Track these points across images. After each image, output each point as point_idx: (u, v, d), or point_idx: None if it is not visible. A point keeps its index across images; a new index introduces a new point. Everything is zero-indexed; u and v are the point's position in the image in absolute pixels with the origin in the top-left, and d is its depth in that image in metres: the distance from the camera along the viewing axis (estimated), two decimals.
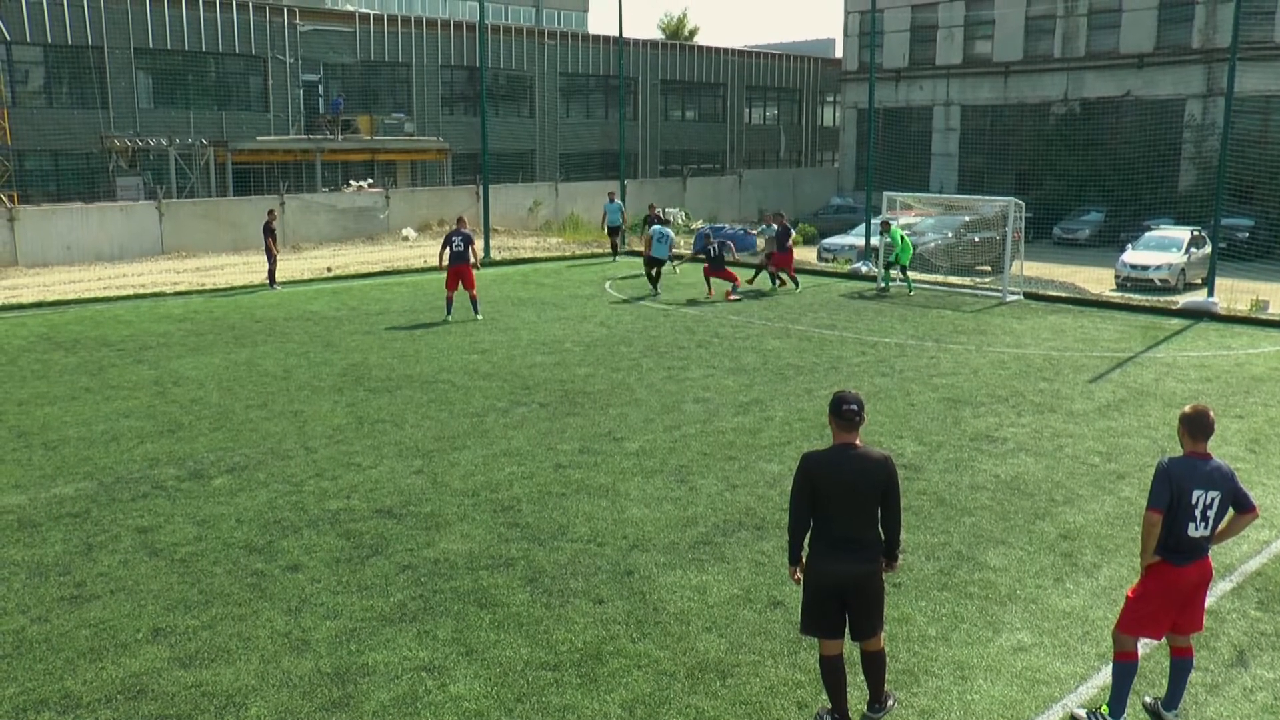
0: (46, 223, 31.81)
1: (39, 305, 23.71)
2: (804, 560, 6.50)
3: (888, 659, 6.86)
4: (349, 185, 42.59)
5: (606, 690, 7.06)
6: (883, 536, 6.42)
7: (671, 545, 9.55)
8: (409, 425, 13.54)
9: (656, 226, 25.75)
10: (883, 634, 6.59)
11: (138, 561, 9.19)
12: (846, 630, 6.48)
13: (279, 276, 27.20)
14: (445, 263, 21.37)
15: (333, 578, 8.82)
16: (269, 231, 26.53)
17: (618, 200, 34.09)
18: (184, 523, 10.12)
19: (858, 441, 6.34)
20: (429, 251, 32.07)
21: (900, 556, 6.71)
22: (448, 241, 21.36)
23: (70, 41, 40.09)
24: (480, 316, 21.56)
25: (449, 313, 21.61)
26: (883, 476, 6.26)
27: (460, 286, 21.39)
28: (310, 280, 28.18)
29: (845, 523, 6.28)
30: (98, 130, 40.10)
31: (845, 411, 6.24)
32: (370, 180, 43.64)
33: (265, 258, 27.06)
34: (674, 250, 27.21)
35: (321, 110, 45.48)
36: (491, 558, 9.25)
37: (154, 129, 40.91)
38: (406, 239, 38.13)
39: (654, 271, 25.56)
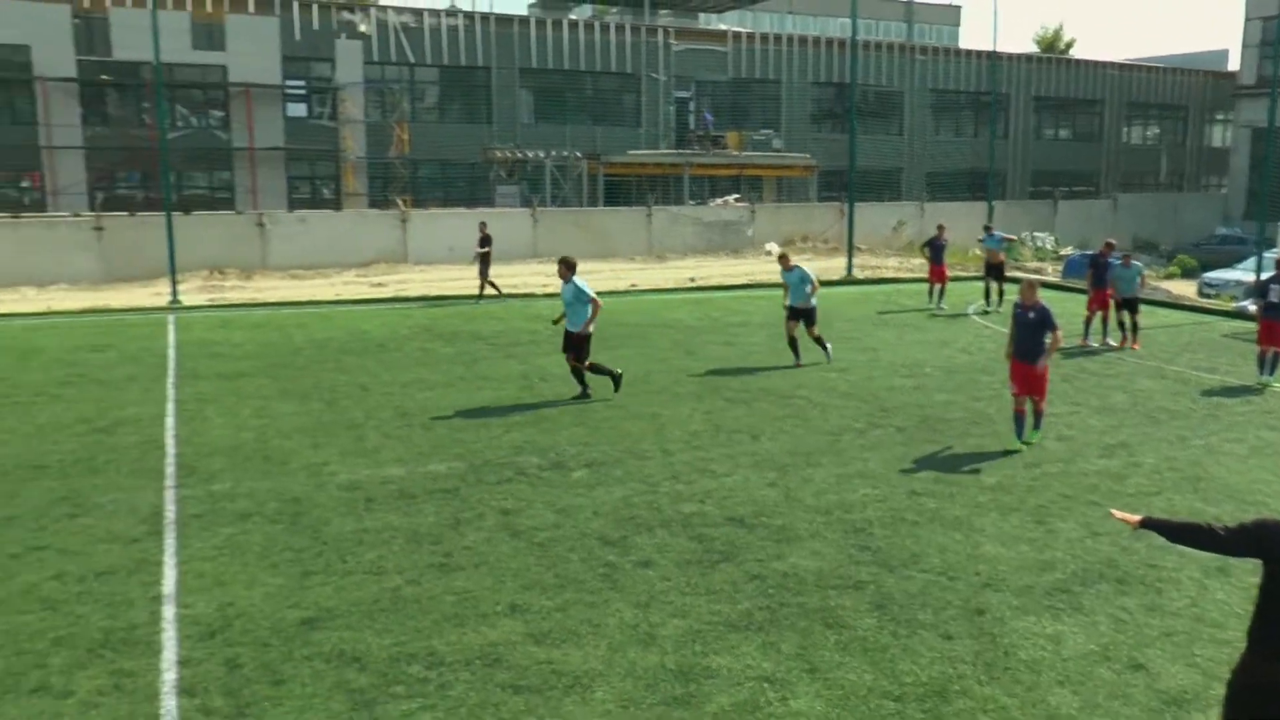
0: (433, 225, 34.64)
1: (423, 299, 25.73)
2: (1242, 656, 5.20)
3: None
4: (715, 200, 43.48)
5: None
6: None
7: (1026, 588, 8.86)
8: (764, 438, 13.47)
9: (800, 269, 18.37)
10: None
11: (499, 540, 9.63)
12: None
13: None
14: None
15: (682, 578, 8.84)
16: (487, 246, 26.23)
17: (997, 233, 26.45)
18: (543, 509, 10.51)
19: None
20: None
21: None
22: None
23: (463, 62, 43.52)
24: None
25: None
26: None
27: None
28: (673, 289, 28.98)
29: None
30: (482, 143, 43.22)
31: None
32: (736, 195, 44.38)
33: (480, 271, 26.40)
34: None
35: (692, 126, 46.79)
36: (841, 578, 8.95)
37: (533, 143, 43.62)
38: (769, 253, 38.40)
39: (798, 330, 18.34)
